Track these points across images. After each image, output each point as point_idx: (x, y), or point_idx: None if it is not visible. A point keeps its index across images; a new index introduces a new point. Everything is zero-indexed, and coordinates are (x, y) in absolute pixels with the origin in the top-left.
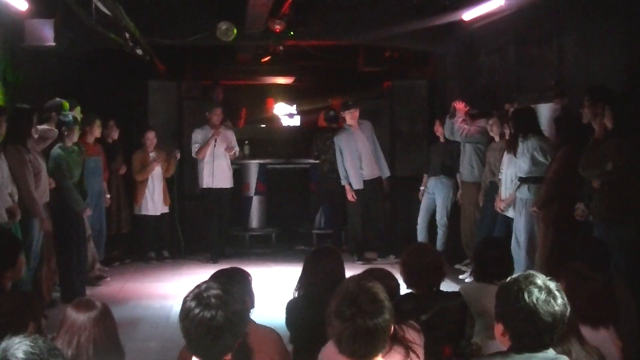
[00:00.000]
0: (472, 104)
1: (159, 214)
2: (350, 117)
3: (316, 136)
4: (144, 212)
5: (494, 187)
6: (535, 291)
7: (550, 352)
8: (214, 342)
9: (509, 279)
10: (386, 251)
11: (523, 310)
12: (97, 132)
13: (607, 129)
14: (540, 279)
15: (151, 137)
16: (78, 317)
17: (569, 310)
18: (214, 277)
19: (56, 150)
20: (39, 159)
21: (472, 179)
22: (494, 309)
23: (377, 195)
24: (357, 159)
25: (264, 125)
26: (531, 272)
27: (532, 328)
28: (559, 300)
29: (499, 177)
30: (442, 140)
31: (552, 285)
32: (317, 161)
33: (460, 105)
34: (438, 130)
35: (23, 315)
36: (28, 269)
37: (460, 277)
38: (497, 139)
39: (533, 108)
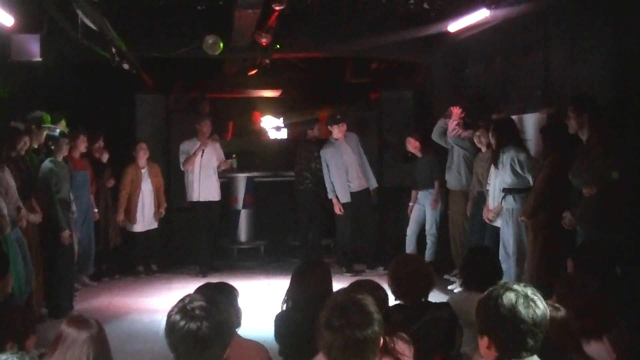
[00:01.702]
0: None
1: (147, 229)
2: (338, 130)
3: (297, 148)
4: (133, 229)
5: (482, 197)
6: (512, 295)
7: (535, 358)
8: (202, 353)
9: (486, 291)
10: (375, 262)
11: (503, 316)
12: (82, 146)
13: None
14: (518, 286)
15: (144, 147)
16: (74, 334)
17: (548, 316)
18: (199, 290)
19: (47, 164)
20: (8, 175)
21: (459, 187)
22: (476, 322)
23: (366, 207)
24: (344, 171)
25: (251, 138)
26: (508, 281)
27: (513, 331)
28: (539, 304)
29: (487, 187)
30: (419, 155)
31: (529, 291)
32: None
33: (457, 110)
34: (415, 146)
35: (16, 329)
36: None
37: (449, 287)
38: (484, 149)
39: (512, 119)
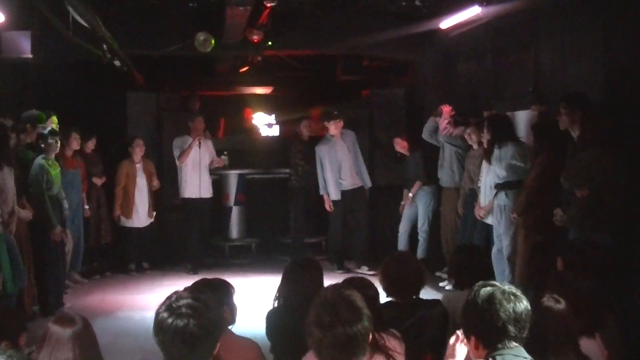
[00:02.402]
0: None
1: (143, 226)
2: (334, 127)
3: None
4: (129, 225)
5: (473, 195)
6: (489, 289)
7: (522, 350)
8: (191, 351)
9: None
10: (366, 260)
11: (482, 308)
12: (74, 144)
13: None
14: (497, 283)
15: (140, 144)
16: (59, 332)
17: (530, 310)
18: (194, 286)
19: (39, 160)
20: (8, 175)
21: (452, 184)
22: (463, 329)
23: (360, 206)
24: (337, 169)
25: (243, 136)
26: (486, 281)
27: (493, 320)
28: (520, 298)
29: (478, 184)
30: (407, 154)
31: (507, 287)
32: None
33: (447, 108)
34: (402, 146)
35: (7, 327)
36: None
37: (441, 284)
38: (475, 146)
39: (507, 115)
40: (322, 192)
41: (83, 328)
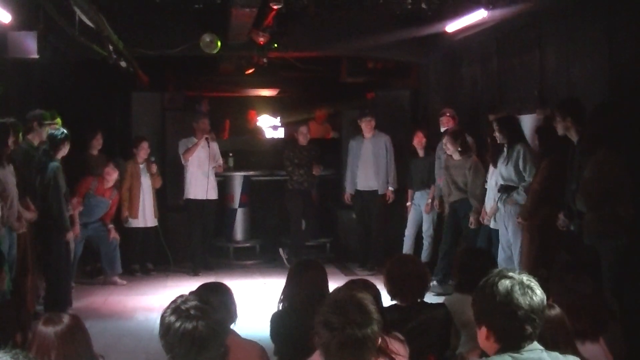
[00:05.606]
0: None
1: (148, 226)
2: (364, 126)
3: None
4: (134, 225)
5: (464, 203)
6: (507, 282)
7: (536, 344)
8: (199, 353)
9: (482, 281)
10: (378, 264)
11: (500, 302)
12: (108, 178)
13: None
14: (513, 273)
15: (145, 147)
16: (44, 332)
17: (545, 302)
18: (197, 290)
19: (55, 164)
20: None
21: None
22: (473, 312)
23: (372, 209)
24: (355, 168)
25: (247, 137)
26: (503, 269)
27: (511, 318)
28: (537, 290)
29: (485, 186)
30: (420, 154)
31: (525, 278)
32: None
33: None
34: (419, 143)
35: (11, 326)
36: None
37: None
38: (456, 156)
39: (515, 116)
40: (345, 184)
41: (69, 327)
